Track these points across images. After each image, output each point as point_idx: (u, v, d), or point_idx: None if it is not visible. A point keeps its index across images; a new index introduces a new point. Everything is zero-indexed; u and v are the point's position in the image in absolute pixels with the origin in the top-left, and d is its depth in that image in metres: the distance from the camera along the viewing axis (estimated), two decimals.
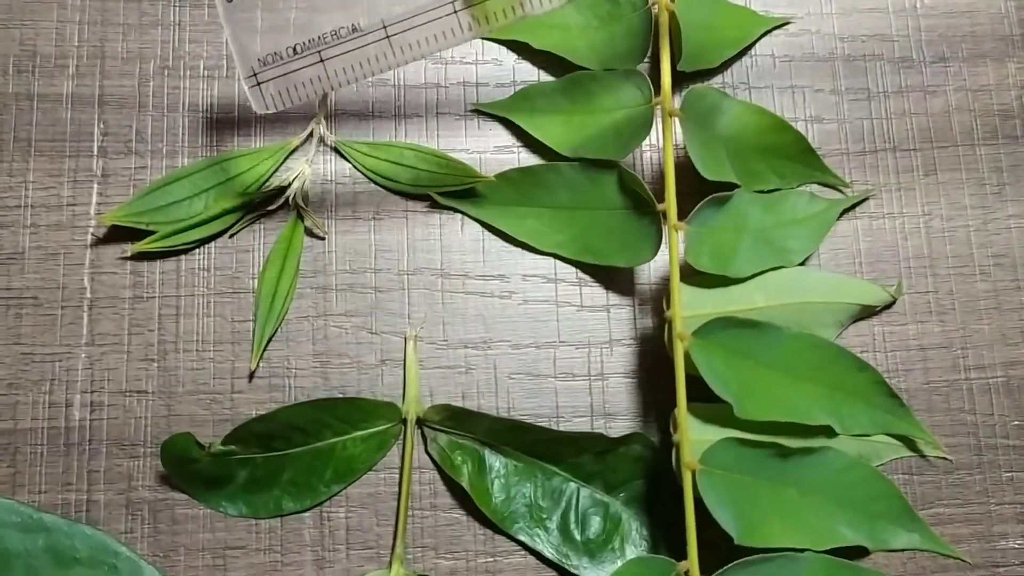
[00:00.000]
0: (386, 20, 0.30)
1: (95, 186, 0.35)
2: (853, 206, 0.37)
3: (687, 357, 0.32)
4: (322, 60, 0.31)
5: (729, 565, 0.30)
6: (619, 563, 0.32)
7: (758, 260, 0.35)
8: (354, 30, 0.30)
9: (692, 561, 0.31)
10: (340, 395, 0.34)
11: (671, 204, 0.34)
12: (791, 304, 0.35)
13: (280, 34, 0.32)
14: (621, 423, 0.35)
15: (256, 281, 0.35)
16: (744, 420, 0.32)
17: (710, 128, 0.35)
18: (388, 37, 0.31)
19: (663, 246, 0.34)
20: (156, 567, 0.32)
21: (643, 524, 0.34)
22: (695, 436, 0.32)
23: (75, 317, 0.34)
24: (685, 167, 0.35)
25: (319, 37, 0.31)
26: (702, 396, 0.33)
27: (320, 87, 0.31)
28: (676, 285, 0.33)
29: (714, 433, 0.33)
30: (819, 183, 0.37)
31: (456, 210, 0.36)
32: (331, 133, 0.36)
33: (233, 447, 0.33)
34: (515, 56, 0.38)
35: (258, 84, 0.31)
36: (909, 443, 0.35)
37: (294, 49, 0.30)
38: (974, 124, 0.38)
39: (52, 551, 0.31)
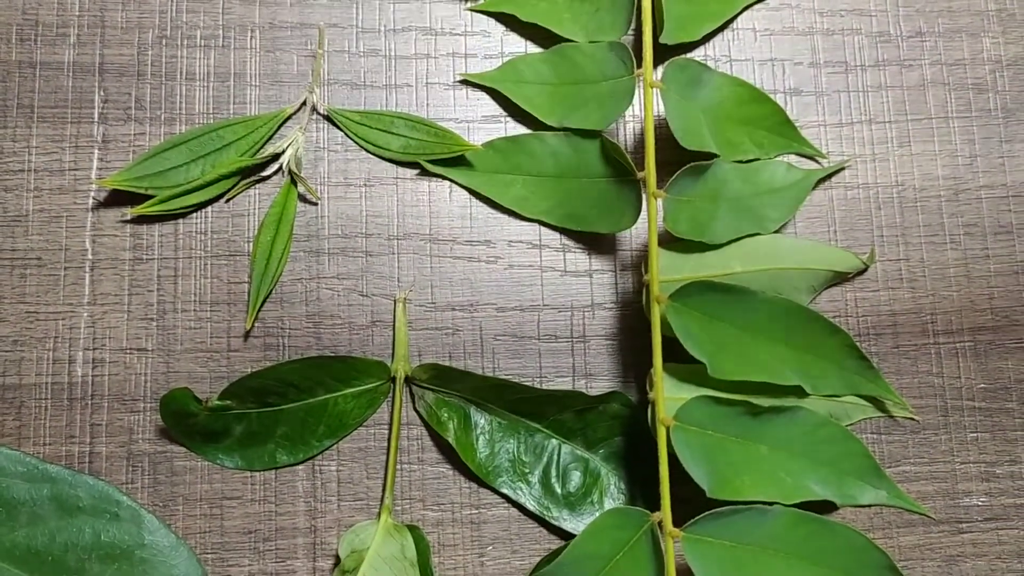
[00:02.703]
0: None
1: (96, 151, 0.37)
2: (829, 176, 0.38)
3: (664, 319, 0.34)
4: None
5: (701, 516, 0.32)
6: (598, 515, 0.34)
7: (735, 227, 0.36)
8: None
9: (665, 512, 0.32)
10: (332, 354, 0.36)
11: (651, 172, 0.35)
12: (766, 270, 0.36)
13: None
14: (601, 383, 0.36)
15: (251, 244, 0.36)
16: (718, 380, 0.34)
17: (690, 99, 0.37)
18: None
19: (643, 213, 0.35)
20: (156, 516, 0.33)
21: (621, 479, 0.35)
22: (671, 395, 0.34)
23: (77, 278, 0.36)
24: (665, 137, 0.36)
25: None
26: (679, 358, 0.34)
27: None
28: (655, 250, 0.35)
29: (689, 392, 0.34)
30: (796, 153, 0.38)
31: (444, 177, 0.37)
32: (324, 102, 0.37)
33: (229, 402, 0.34)
34: (503, 28, 0.39)
35: None
36: (878, 404, 0.36)
37: None
38: (948, 97, 0.39)
39: (57, 500, 0.33)
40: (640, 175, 0.35)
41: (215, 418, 0.34)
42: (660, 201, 0.35)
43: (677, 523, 0.32)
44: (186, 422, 0.34)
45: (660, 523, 0.32)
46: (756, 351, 0.34)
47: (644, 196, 0.35)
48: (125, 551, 0.33)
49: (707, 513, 0.32)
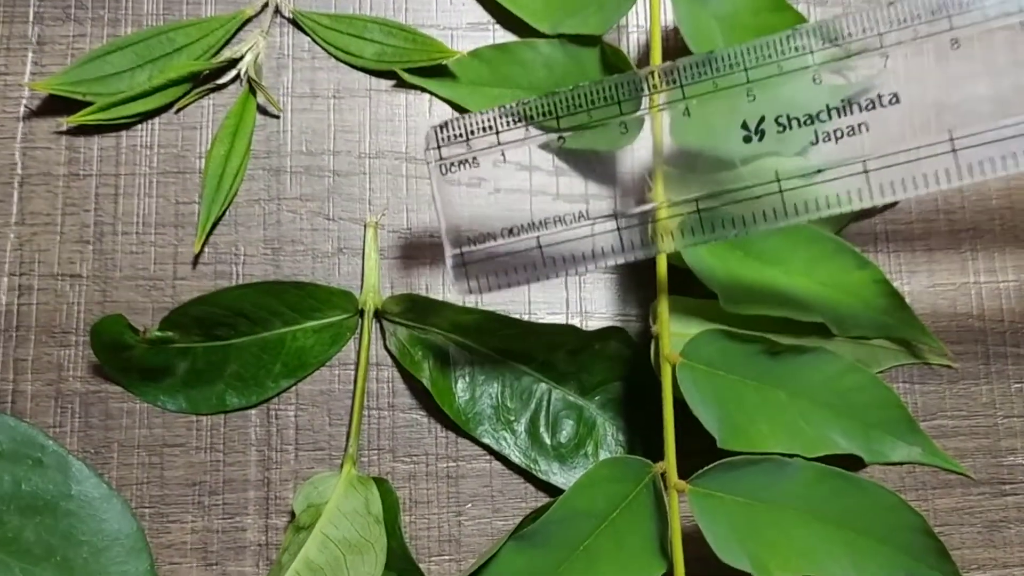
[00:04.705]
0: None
1: (30, 54, 0.33)
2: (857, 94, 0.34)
3: None
4: (540, 247, 0.28)
5: (710, 466, 0.28)
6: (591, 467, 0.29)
7: None
8: (580, 217, 0.29)
9: (669, 461, 0.28)
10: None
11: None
12: None
13: (491, 215, 0.29)
14: (598, 322, 0.32)
15: (203, 160, 0.32)
16: (731, 316, 0.30)
17: (702, 5, 0.32)
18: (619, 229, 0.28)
19: (647, 128, 0.31)
20: (85, 463, 0.29)
21: (620, 429, 0.31)
22: (677, 330, 0.30)
23: (4, 194, 0.32)
24: (672, 50, 0.32)
25: (540, 221, 0.28)
26: (686, 291, 0.30)
27: (534, 275, 0.28)
28: (660, 170, 0.30)
29: (698, 328, 0.30)
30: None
31: (424, 89, 0.33)
32: (289, 3, 0.33)
33: (171, 333, 0.30)
34: None
35: (464, 264, 0.28)
36: (911, 349, 0.32)
37: (510, 231, 0.28)
38: None
39: None
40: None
41: (155, 352, 0.30)
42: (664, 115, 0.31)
43: (683, 476, 0.28)
44: (121, 356, 0.30)
45: (663, 475, 0.28)
46: (775, 283, 0.30)
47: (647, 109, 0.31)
48: (49, 502, 0.29)
49: (718, 463, 0.28)
